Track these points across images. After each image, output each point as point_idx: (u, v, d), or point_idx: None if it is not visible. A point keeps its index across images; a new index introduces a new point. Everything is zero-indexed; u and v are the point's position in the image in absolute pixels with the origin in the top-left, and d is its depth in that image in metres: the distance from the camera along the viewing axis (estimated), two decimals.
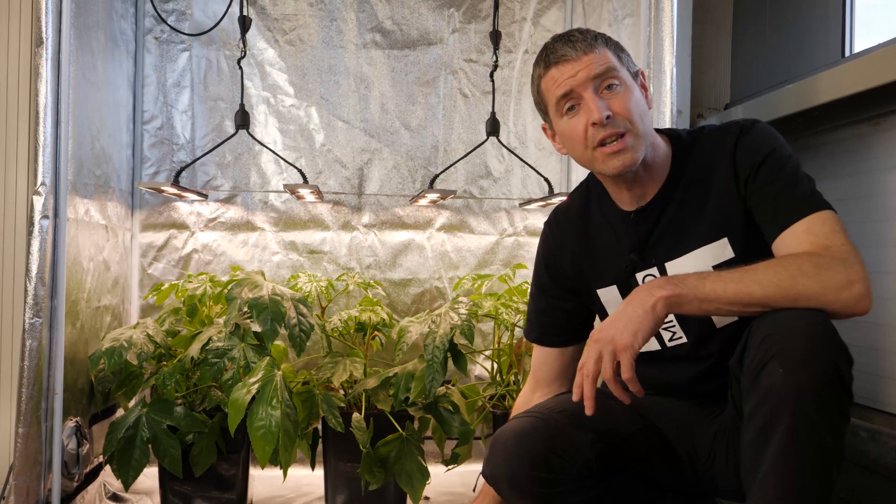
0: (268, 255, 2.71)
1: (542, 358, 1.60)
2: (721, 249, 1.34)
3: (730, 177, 1.32)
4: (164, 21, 2.57)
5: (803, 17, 2.66)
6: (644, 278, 1.42)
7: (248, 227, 2.70)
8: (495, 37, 2.45)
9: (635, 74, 1.38)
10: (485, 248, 2.81)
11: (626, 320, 1.19)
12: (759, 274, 1.17)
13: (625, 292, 1.45)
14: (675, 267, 1.39)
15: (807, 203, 1.25)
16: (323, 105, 2.72)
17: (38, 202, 1.86)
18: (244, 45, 2.37)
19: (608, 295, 1.49)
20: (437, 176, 2.51)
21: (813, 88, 2.04)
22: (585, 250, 1.51)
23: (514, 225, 2.82)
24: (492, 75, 2.47)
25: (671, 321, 1.43)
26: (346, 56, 2.72)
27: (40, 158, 1.87)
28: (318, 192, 2.40)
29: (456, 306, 2.17)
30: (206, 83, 2.67)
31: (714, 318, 1.38)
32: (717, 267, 1.34)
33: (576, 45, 1.33)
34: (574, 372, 1.57)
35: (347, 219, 2.74)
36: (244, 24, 2.37)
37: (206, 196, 2.61)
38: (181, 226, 2.67)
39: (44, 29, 1.88)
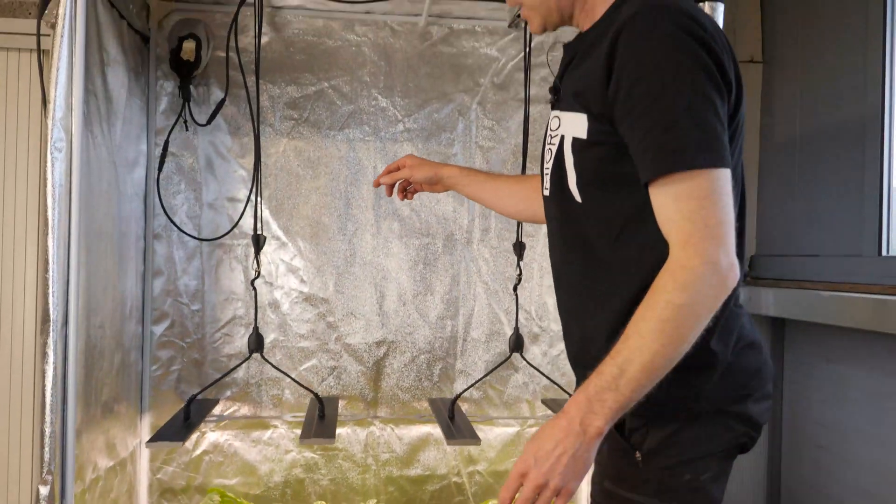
0: (281, 454, 2.62)
1: None
2: (579, 124, 1.21)
3: (603, 63, 1.16)
4: (178, 227, 2.48)
5: (833, 198, 2.56)
6: (552, 120, 1.33)
7: (261, 424, 2.61)
8: (519, 248, 2.36)
9: None
10: (505, 440, 2.71)
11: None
12: (630, 352, 1.10)
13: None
14: (562, 119, 1.28)
15: (671, 159, 1.08)
16: (339, 298, 2.62)
17: (44, 490, 1.77)
18: (258, 265, 2.27)
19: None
20: (458, 396, 2.41)
21: (853, 307, 2.05)
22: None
23: (536, 415, 2.72)
24: (515, 289, 2.37)
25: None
26: (363, 246, 2.62)
27: (46, 447, 1.78)
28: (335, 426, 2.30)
29: None
30: (218, 276, 2.58)
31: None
32: (575, 142, 1.23)
33: None
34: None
35: (363, 413, 2.65)
36: (258, 242, 2.27)
37: (217, 401, 2.51)
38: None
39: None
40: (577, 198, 1.25)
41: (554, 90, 1.36)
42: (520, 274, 2.36)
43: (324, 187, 2.60)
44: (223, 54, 2.50)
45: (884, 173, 2.37)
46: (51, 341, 1.79)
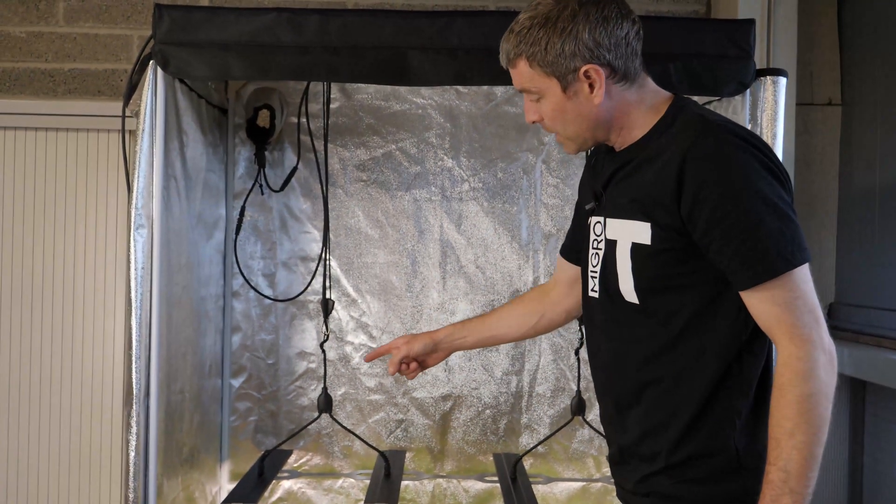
0: (351, 502, 2.71)
1: (557, 263, 1.69)
2: (642, 231, 1.30)
3: (673, 181, 1.25)
4: (254, 288, 2.61)
5: None
6: (595, 225, 1.41)
7: (333, 473, 2.71)
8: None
9: (568, 73, 1.30)
10: (570, 494, 2.73)
11: None
12: (786, 452, 1.18)
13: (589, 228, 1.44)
14: (611, 225, 1.36)
15: (764, 266, 1.20)
16: None
17: None
18: (327, 329, 2.37)
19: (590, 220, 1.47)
20: (521, 457, 2.45)
21: None
22: (590, 172, 1.51)
23: (602, 470, 2.72)
24: (577, 353, 2.39)
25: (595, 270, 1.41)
26: (429, 303, 2.69)
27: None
28: None
29: None
30: (291, 332, 2.69)
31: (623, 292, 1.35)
32: (636, 248, 1.31)
33: (501, 57, 1.36)
34: (575, 294, 1.60)
35: (429, 466, 2.71)
36: (326, 307, 2.37)
37: (290, 453, 2.63)
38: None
39: None
40: (634, 300, 1.33)
41: (595, 196, 1.40)
42: (582, 337, 2.38)
43: (392, 246, 2.68)
44: (296, 120, 2.62)
45: None
46: (134, 412, 1.93)
